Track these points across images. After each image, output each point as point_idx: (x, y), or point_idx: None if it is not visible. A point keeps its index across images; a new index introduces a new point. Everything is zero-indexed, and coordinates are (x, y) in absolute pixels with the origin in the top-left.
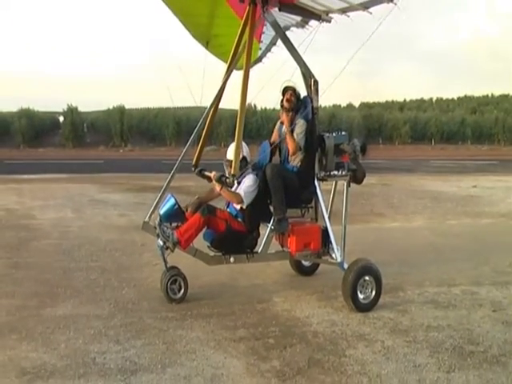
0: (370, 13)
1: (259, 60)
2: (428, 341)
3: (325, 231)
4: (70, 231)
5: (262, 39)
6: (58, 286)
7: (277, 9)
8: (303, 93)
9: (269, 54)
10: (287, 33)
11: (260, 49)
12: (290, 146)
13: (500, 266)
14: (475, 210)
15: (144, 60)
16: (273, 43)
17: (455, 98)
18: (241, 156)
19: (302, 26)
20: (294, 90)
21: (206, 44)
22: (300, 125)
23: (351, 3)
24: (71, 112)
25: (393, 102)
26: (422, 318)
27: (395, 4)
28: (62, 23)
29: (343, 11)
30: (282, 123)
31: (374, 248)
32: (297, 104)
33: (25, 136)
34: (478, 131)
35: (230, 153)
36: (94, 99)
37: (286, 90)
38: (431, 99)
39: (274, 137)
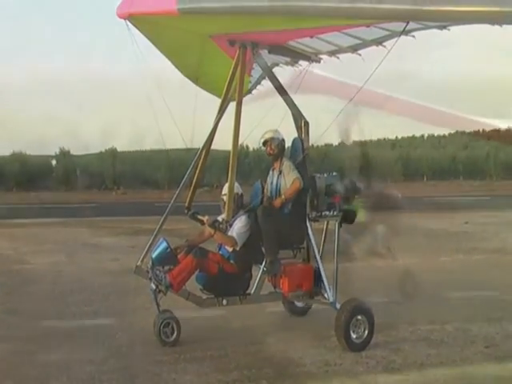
0: (359, 55)
1: (249, 92)
2: (422, 379)
3: (317, 271)
4: (63, 276)
5: (251, 73)
6: (51, 331)
7: (266, 51)
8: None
9: (258, 87)
10: (276, 68)
11: (250, 82)
12: (287, 192)
13: (492, 301)
14: (468, 246)
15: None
16: (262, 77)
17: (446, 135)
18: (239, 193)
19: (292, 65)
20: (271, 139)
21: (196, 80)
22: (287, 166)
23: (340, 46)
24: (63, 156)
25: (384, 139)
26: (415, 356)
27: (384, 47)
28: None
29: (332, 53)
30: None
31: (365, 286)
32: (281, 148)
33: (17, 180)
34: (469, 167)
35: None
36: (86, 141)
37: (264, 143)
38: (423, 136)
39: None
